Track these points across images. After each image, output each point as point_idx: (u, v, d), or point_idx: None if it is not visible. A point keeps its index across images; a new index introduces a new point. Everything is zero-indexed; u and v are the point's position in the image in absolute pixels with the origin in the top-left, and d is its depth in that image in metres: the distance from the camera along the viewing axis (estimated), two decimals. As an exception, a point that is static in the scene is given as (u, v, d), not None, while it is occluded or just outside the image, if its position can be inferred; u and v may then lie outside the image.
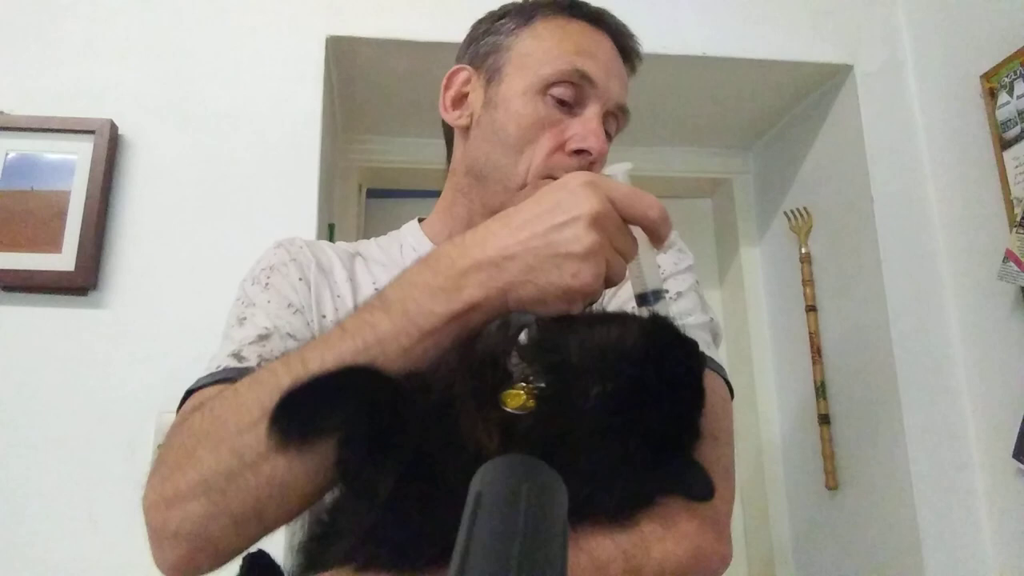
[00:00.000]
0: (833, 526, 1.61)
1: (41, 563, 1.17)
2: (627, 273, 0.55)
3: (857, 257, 1.56)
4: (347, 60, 1.50)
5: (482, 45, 0.84)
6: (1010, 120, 1.33)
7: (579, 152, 0.76)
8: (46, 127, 1.30)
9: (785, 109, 1.80)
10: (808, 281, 1.71)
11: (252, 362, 0.66)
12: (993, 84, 1.36)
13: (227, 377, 0.64)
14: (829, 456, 1.61)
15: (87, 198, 1.28)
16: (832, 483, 1.60)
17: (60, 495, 1.19)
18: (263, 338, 0.69)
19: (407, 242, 0.87)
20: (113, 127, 1.32)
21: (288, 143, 1.38)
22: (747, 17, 1.57)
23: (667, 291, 0.53)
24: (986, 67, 1.37)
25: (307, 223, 1.34)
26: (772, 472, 1.79)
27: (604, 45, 0.81)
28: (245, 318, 0.73)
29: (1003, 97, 1.34)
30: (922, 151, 1.55)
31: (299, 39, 1.43)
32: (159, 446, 1.21)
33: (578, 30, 0.81)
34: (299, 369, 0.52)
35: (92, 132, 1.30)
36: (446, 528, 0.48)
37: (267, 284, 0.76)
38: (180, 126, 1.37)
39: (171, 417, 1.22)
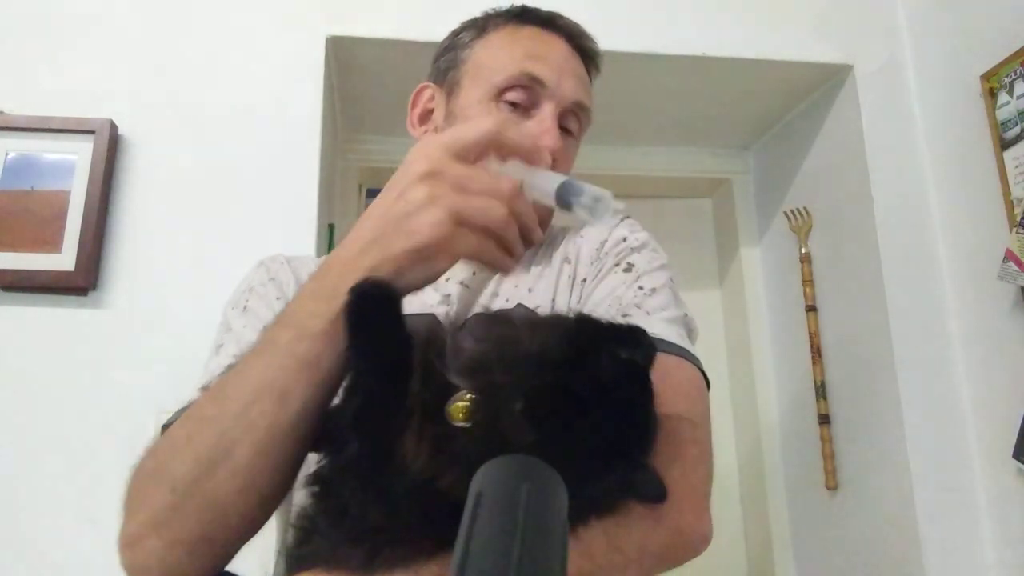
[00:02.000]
0: (833, 526, 1.61)
1: (41, 562, 1.17)
2: (529, 198, 0.55)
3: (857, 257, 1.56)
4: (347, 60, 1.50)
5: (442, 61, 0.88)
6: (1010, 120, 1.33)
7: None
8: (46, 127, 1.30)
9: (785, 109, 1.80)
10: (808, 281, 1.71)
11: None
12: (993, 84, 1.36)
13: None
14: (829, 456, 1.61)
15: (87, 198, 1.28)
16: (832, 483, 1.60)
17: (60, 495, 1.19)
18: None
19: None
20: (113, 127, 1.32)
21: (288, 143, 1.37)
22: (747, 17, 1.57)
23: (579, 185, 0.52)
24: (986, 67, 1.37)
25: (307, 223, 1.34)
26: (772, 472, 1.79)
27: (556, 47, 0.84)
28: (221, 345, 0.77)
29: (1003, 97, 1.34)
30: (922, 151, 1.55)
31: (299, 39, 1.43)
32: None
33: (528, 35, 0.84)
34: (220, 398, 0.56)
35: (92, 132, 1.30)
36: (405, 529, 0.48)
37: (245, 307, 0.79)
38: (180, 126, 1.37)
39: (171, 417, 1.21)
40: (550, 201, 0.54)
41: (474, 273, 0.81)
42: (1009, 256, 1.29)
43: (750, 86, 1.67)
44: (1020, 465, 1.28)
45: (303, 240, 1.33)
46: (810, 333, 1.68)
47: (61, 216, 1.27)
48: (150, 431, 1.21)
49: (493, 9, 0.88)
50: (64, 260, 1.25)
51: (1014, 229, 1.29)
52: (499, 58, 0.82)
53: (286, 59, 1.42)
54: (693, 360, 0.70)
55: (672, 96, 1.70)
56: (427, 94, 0.89)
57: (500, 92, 0.80)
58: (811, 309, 1.69)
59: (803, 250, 1.73)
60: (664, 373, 0.59)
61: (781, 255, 1.83)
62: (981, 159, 1.39)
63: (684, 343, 0.71)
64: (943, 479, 1.39)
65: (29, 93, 1.33)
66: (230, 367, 0.70)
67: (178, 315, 1.27)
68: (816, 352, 1.67)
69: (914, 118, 1.57)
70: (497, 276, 0.79)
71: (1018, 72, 1.31)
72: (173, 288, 1.29)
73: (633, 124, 1.84)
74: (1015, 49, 1.32)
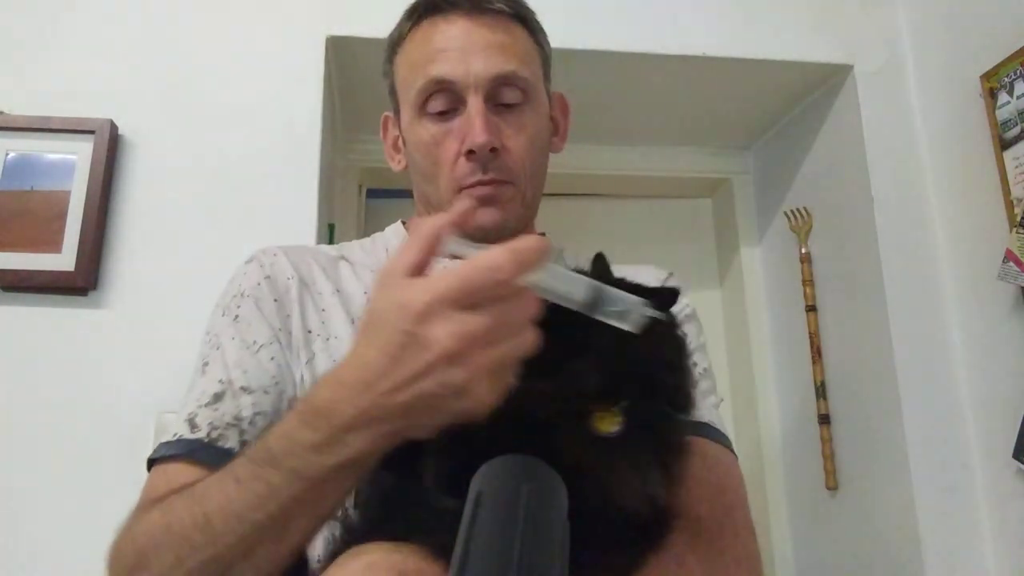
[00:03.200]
0: (833, 526, 1.61)
1: (41, 563, 1.17)
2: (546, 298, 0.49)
3: (857, 257, 1.56)
4: (347, 60, 1.50)
5: (387, 81, 0.87)
6: (1010, 120, 1.33)
7: (471, 152, 0.76)
8: (46, 127, 1.30)
9: (785, 109, 1.79)
10: (808, 281, 1.71)
11: (203, 432, 0.69)
12: (993, 84, 1.36)
13: (183, 452, 0.68)
14: (829, 456, 1.61)
15: (87, 198, 1.28)
16: (832, 483, 1.60)
17: (60, 495, 1.19)
18: (217, 398, 0.71)
19: (392, 245, 0.87)
20: (113, 127, 1.32)
21: (288, 143, 1.37)
22: (747, 17, 1.57)
23: (611, 293, 0.48)
24: (986, 67, 1.37)
25: (307, 223, 1.34)
26: (772, 472, 1.79)
27: (454, 30, 0.78)
28: (207, 363, 0.74)
29: (1003, 97, 1.34)
30: (922, 151, 1.55)
31: (299, 39, 1.42)
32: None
33: (425, 35, 0.80)
34: (208, 529, 0.53)
35: (92, 132, 1.30)
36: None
37: (236, 316, 0.76)
38: (180, 126, 1.37)
39: (171, 417, 1.22)
40: (576, 305, 0.48)
41: None
42: (1009, 256, 1.29)
43: (750, 86, 1.67)
44: (1020, 465, 1.28)
45: (303, 240, 1.33)
46: (810, 333, 1.68)
47: (61, 216, 1.27)
48: (150, 431, 1.21)
49: (406, 9, 0.84)
50: (64, 260, 1.25)
51: (1014, 229, 1.29)
52: (409, 72, 0.80)
53: (286, 59, 1.41)
54: (732, 449, 0.76)
55: (672, 96, 1.70)
56: (388, 123, 0.89)
57: (421, 107, 0.78)
58: (811, 309, 1.69)
59: (803, 250, 1.73)
60: (715, 461, 0.68)
61: (781, 255, 1.83)
62: (981, 159, 1.39)
63: (726, 431, 0.76)
64: (943, 479, 1.38)
65: (29, 93, 1.33)
66: (215, 396, 0.69)
67: (178, 315, 1.27)
68: (816, 352, 1.67)
69: (914, 118, 1.57)
70: None
71: (1018, 72, 1.31)
72: (173, 288, 1.29)
73: (633, 124, 1.84)
74: (1015, 49, 1.32)
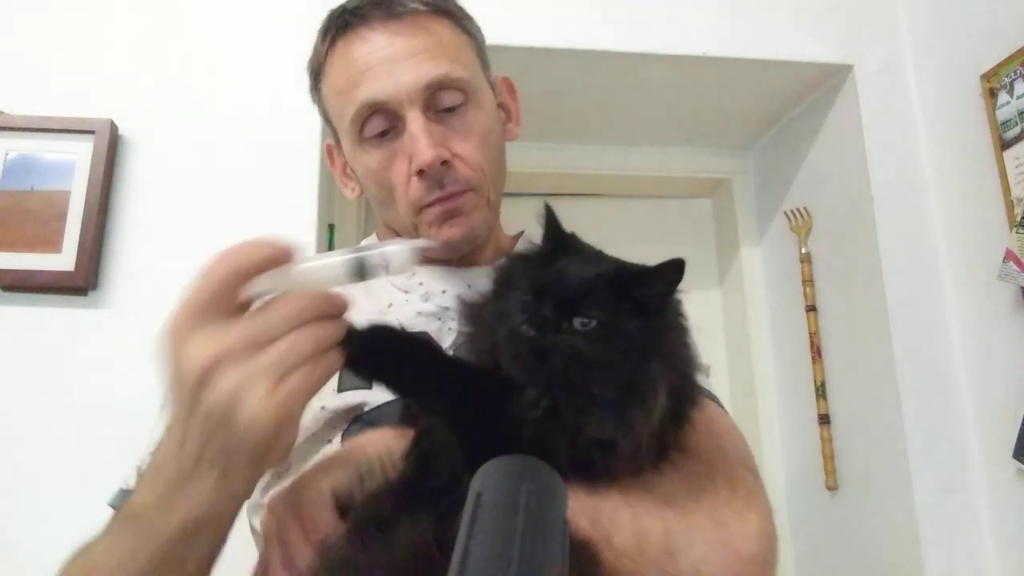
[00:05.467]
0: (833, 526, 1.61)
1: (41, 563, 1.17)
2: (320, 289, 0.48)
3: (857, 257, 1.56)
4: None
5: (319, 110, 0.82)
6: (1010, 120, 1.33)
7: (422, 171, 0.71)
8: (46, 127, 1.30)
9: (785, 109, 1.80)
10: (808, 281, 1.71)
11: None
12: (993, 84, 1.36)
13: (119, 503, 0.69)
14: (829, 456, 1.61)
15: (87, 198, 1.28)
16: (832, 483, 1.60)
17: (60, 495, 1.19)
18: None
19: None
20: (113, 127, 1.32)
21: (288, 143, 1.37)
22: (747, 17, 1.57)
23: (366, 255, 0.48)
24: (986, 67, 1.37)
25: (307, 223, 1.34)
26: (772, 472, 1.79)
27: (372, 45, 0.72)
28: (164, 406, 0.72)
29: (1003, 97, 1.34)
30: (922, 151, 1.55)
31: (299, 39, 1.42)
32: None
33: (343, 56, 0.74)
34: (83, 562, 0.52)
35: (92, 132, 1.30)
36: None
37: None
38: (180, 126, 1.37)
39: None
40: (345, 282, 0.48)
41: (469, 286, 0.76)
42: (1009, 256, 1.29)
43: (750, 86, 1.67)
44: (1020, 465, 1.28)
45: (303, 240, 1.33)
46: (810, 333, 1.68)
47: (61, 216, 1.27)
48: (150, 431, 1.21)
49: (319, 28, 0.79)
50: (64, 260, 1.25)
51: (1014, 229, 1.29)
52: (337, 100, 0.75)
53: (286, 59, 1.41)
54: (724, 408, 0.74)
55: (672, 96, 1.70)
56: (333, 152, 0.85)
57: (359, 134, 0.73)
58: (811, 309, 1.69)
59: (803, 250, 1.73)
60: (711, 418, 0.64)
61: (781, 255, 1.83)
62: (981, 159, 1.39)
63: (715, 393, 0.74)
64: (943, 479, 1.39)
65: (29, 93, 1.33)
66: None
67: (178, 315, 1.27)
68: (816, 352, 1.67)
69: (914, 118, 1.57)
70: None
71: (1018, 72, 1.31)
72: (173, 288, 1.28)
73: (633, 124, 1.84)
74: (1015, 49, 1.32)
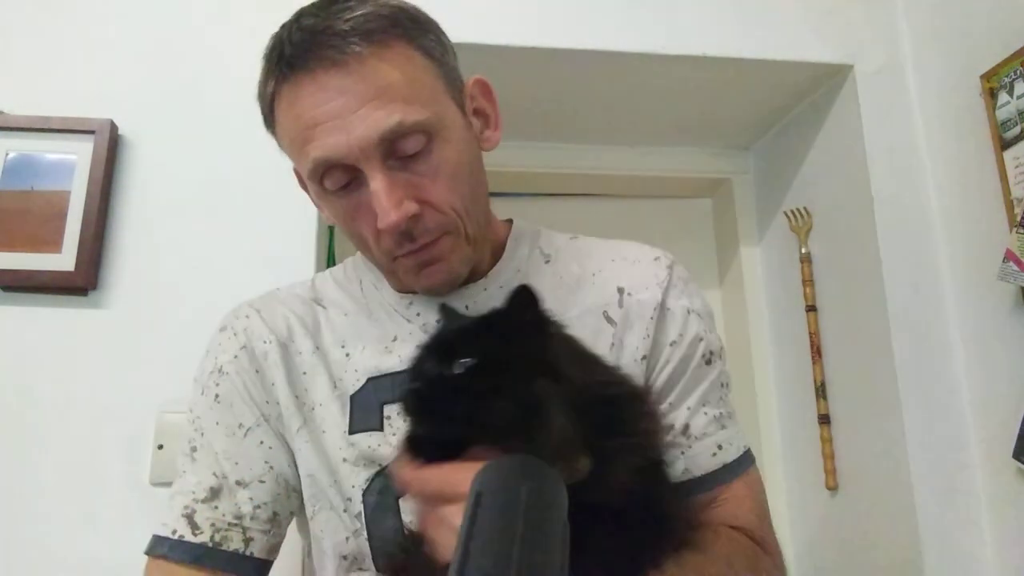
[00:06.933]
0: (833, 526, 1.61)
1: (41, 563, 1.17)
2: None
3: (857, 257, 1.56)
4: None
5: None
6: (1010, 120, 1.33)
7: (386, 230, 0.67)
8: (46, 127, 1.30)
9: (785, 109, 1.79)
10: (808, 281, 1.71)
11: (206, 535, 0.70)
12: (993, 84, 1.36)
13: (189, 559, 0.69)
14: (829, 456, 1.61)
15: (87, 198, 1.28)
16: (832, 483, 1.60)
17: (60, 495, 1.19)
18: (214, 493, 0.71)
19: (366, 279, 0.81)
20: (113, 127, 1.32)
21: (288, 143, 1.37)
22: (747, 17, 1.57)
23: None
24: (986, 67, 1.37)
25: (307, 223, 1.34)
26: (772, 472, 1.79)
27: (319, 94, 0.64)
28: (196, 448, 0.73)
29: (1003, 97, 1.34)
30: (922, 151, 1.55)
31: (299, 39, 1.42)
32: (159, 447, 1.21)
33: (291, 102, 0.66)
34: None
35: (92, 132, 1.30)
36: None
37: (217, 396, 0.74)
38: (180, 126, 1.37)
39: (171, 417, 1.23)
40: None
41: (467, 307, 0.76)
42: (1009, 256, 1.28)
43: (750, 86, 1.67)
44: (1020, 465, 1.28)
45: (303, 240, 1.33)
46: (810, 333, 1.68)
47: (61, 216, 1.27)
48: (150, 431, 1.21)
49: (262, 65, 0.72)
50: (64, 260, 1.25)
51: (1014, 229, 1.29)
52: (291, 149, 0.70)
53: (286, 59, 1.41)
54: (753, 459, 0.79)
55: (672, 96, 1.70)
56: (301, 177, 0.77)
57: (320, 186, 0.68)
58: (811, 309, 1.69)
59: (803, 250, 1.73)
60: (757, 488, 0.75)
61: (781, 255, 1.83)
62: (981, 159, 1.39)
63: (745, 435, 0.79)
64: (943, 479, 1.38)
65: (29, 93, 1.33)
66: (212, 491, 0.70)
67: (178, 315, 1.27)
68: (816, 352, 1.67)
69: (914, 118, 1.57)
70: None
71: (1018, 72, 1.31)
72: (173, 288, 1.29)
73: (633, 124, 1.84)
74: (1015, 49, 1.32)
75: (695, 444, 0.73)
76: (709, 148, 1.98)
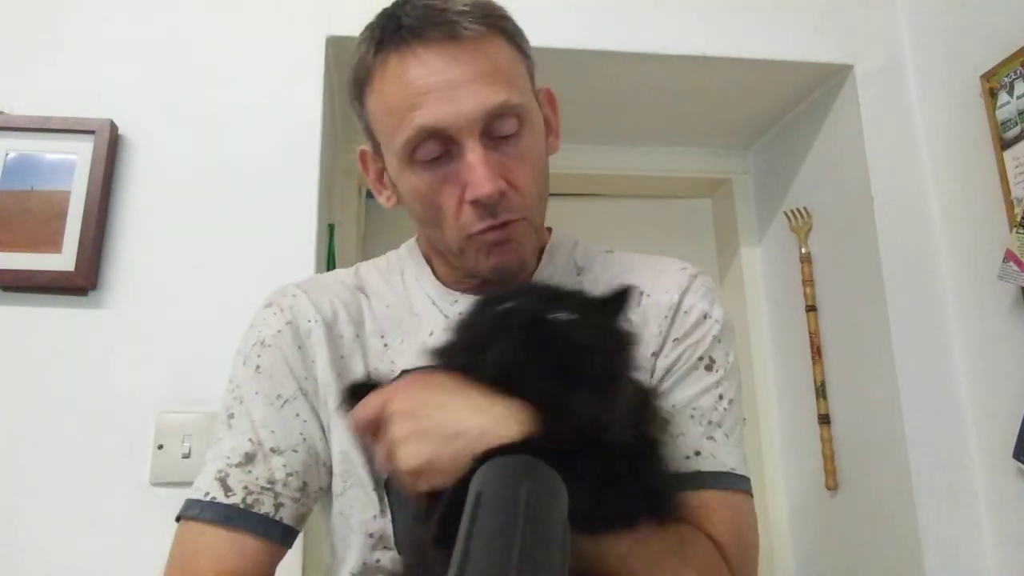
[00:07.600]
0: (833, 526, 1.61)
1: (41, 563, 1.17)
2: None
3: (857, 257, 1.56)
4: (347, 60, 1.49)
5: (360, 118, 0.79)
6: (1010, 120, 1.33)
7: (475, 201, 0.69)
8: (46, 127, 1.30)
9: (785, 109, 1.80)
10: (808, 281, 1.71)
11: (238, 496, 0.70)
12: (993, 84, 1.36)
13: (220, 518, 0.70)
14: (829, 456, 1.61)
15: (87, 198, 1.28)
16: (832, 483, 1.60)
17: (60, 495, 1.19)
18: (249, 458, 0.72)
19: (408, 269, 0.83)
20: (113, 127, 1.32)
21: (288, 143, 1.37)
22: (747, 17, 1.57)
23: None
24: (986, 67, 1.37)
25: (307, 223, 1.34)
26: (772, 472, 1.79)
27: (430, 66, 0.68)
28: (233, 415, 0.74)
29: (1003, 97, 1.34)
30: (922, 151, 1.55)
31: (299, 39, 1.42)
32: (159, 447, 1.21)
33: (397, 72, 0.69)
34: None
35: (92, 132, 1.30)
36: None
37: (258, 367, 0.75)
38: (180, 126, 1.37)
39: (171, 417, 1.23)
40: None
41: None
42: (1009, 256, 1.29)
43: (750, 86, 1.67)
44: (1020, 465, 1.28)
45: (303, 240, 1.33)
46: (810, 333, 1.68)
47: (61, 216, 1.27)
48: (150, 431, 1.21)
49: (366, 36, 0.74)
50: (64, 260, 1.25)
51: (1014, 229, 1.29)
52: (388, 118, 0.71)
53: (286, 59, 1.42)
54: (750, 489, 0.75)
55: (672, 96, 1.70)
56: (368, 157, 0.80)
57: (410, 157, 0.70)
58: (811, 309, 1.69)
59: (803, 250, 1.73)
60: (736, 510, 0.71)
61: (781, 255, 1.83)
62: (981, 159, 1.39)
63: (746, 468, 0.75)
64: (943, 479, 1.39)
65: (29, 93, 1.33)
66: (247, 456, 0.71)
67: (178, 315, 1.27)
68: (816, 352, 1.67)
69: (914, 118, 1.57)
70: None
71: (1018, 72, 1.31)
72: (173, 288, 1.29)
73: (633, 124, 1.84)
74: (1015, 49, 1.32)
75: (668, 442, 0.71)
76: (709, 148, 1.98)
